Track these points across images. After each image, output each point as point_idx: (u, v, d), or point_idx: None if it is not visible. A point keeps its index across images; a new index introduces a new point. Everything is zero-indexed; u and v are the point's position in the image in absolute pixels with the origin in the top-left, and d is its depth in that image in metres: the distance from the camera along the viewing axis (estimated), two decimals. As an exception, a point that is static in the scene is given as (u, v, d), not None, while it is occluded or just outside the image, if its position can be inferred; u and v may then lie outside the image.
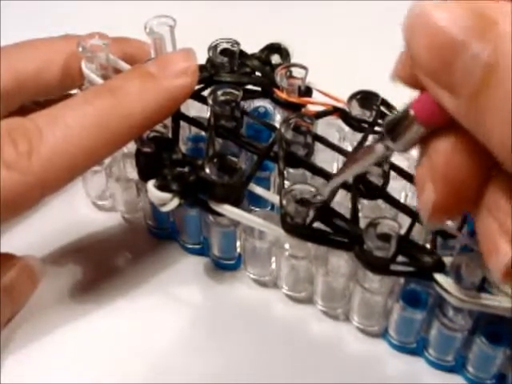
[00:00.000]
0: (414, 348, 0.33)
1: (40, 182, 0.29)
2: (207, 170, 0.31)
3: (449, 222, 0.31)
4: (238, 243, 0.36)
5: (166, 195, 0.31)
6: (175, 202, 0.32)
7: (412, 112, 0.22)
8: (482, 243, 0.23)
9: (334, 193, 0.31)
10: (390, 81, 0.23)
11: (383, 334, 0.34)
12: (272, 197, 0.33)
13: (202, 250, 0.37)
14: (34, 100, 0.37)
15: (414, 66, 0.21)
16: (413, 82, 0.22)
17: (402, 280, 0.32)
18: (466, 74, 0.20)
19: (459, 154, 0.22)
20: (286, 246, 0.33)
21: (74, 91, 0.38)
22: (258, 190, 0.32)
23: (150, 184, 0.32)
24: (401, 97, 0.23)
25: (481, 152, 0.21)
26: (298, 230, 0.30)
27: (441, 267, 0.29)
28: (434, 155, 0.22)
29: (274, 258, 0.35)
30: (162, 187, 0.31)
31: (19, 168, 0.28)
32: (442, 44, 0.20)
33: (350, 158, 0.30)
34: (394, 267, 0.29)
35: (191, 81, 0.32)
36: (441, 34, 0.20)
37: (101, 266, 0.37)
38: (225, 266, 0.36)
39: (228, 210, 0.31)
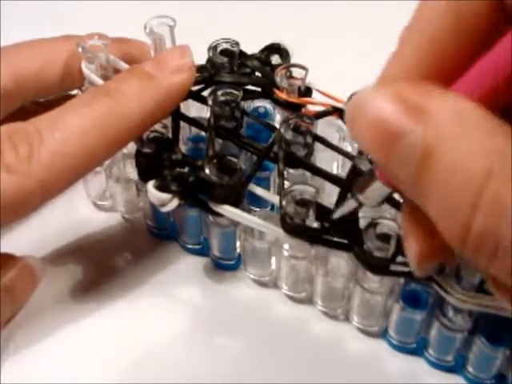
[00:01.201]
0: (414, 348, 0.33)
1: (41, 185, 0.29)
2: (207, 171, 0.31)
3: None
4: (238, 243, 0.36)
5: (166, 196, 0.31)
6: (175, 202, 0.32)
7: (377, 173, 0.24)
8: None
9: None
10: None
11: (383, 334, 0.34)
12: (272, 197, 0.33)
13: (202, 250, 0.37)
14: (34, 100, 0.37)
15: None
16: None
17: (401, 280, 0.32)
18: (403, 162, 0.20)
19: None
20: (286, 246, 0.33)
21: (73, 92, 0.38)
22: (258, 191, 0.32)
23: (150, 184, 0.32)
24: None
25: None
26: (297, 230, 0.30)
27: (440, 267, 0.29)
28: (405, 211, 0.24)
29: (273, 259, 0.35)
30: (161, 188, 0.31)
31: (20, 171, 0.29)
32: (379, 134, 0.21)
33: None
34: (393, 267, 0.29)
35: (188, 77, 0.32)
36: (378, 125, 0.21)
37: (101, 266, 0.37)
38: (225, 266, 0.36)
39: (228, 210, 0.31)
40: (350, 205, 0.27)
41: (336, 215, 0.28)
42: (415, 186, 0.20)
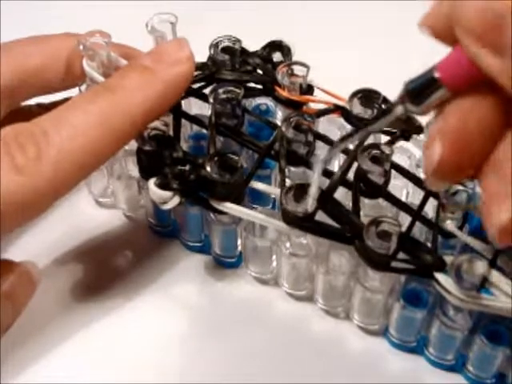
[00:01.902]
0: (415, 347, 0.33)
1: (52, 184, 0.29)
2: (208, 169, 0.31)
3: (448, 222, 0.31)
4: (239, 241, 0.36)
5: (167, 193, 0.31)
6: (176, 200, 0.32)
7: (437, 74, 0.22)
8: (484, 204, 0.23)
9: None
10: (418, 29, 0.23)
11: (384, 333, 0.34)
12: (273, 190, 0.33)
13: (204, 248, 0.37)
14: (36, 96, 0.37)
15: (455, 22, 0.22)
16: (442, 35, 0.23)
17: (402, 279, 0.32)
18: None
19: (475, 115, 0.22)
20: (287, 244, 0.33)
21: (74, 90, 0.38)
22: (260, 186, 0.32)
23: (151, 182, 0.32)
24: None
25: (497, 116, 0.22)
26: (299, 222, 0.30)
27: (441, 266, 0.29)
28: (448, 115, 0.23)
29: (274, 256, 0.35)
30: (162, 186, 0.31)
31: (30, 172, 0.29)
32: (493, 3, 0.20)
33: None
34: (394, 264, 0.29)
35: (188, 68, 0.32)
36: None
37: (102, 264, 0.37)
38: (226, 263, 0.36)
39: (229, 207, 0.31)
40: (396, 112, 0.24)
41: (376, 127, 0.26)
42: None
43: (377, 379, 0.33)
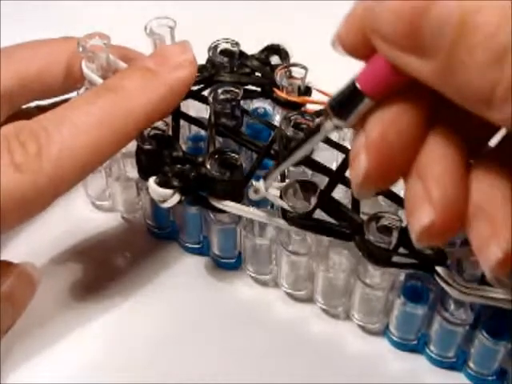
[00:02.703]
0: (415, 345, 0.33)
1: (52, 181, 0.29)
2: (208, 166, 0.31)
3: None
4: (238, 242, 0.35)
5: (167, 191, 0.31)
6: (176, 198, 0.32)
7: (359, 86, 0.22)
8: (407, 205, 0.24)
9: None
10: (331, 47, 0.23)
11: (384, 332, 0.34)
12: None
13: (202, 250, 0.37)
14: (36, 100, 0.37)
15: (370, 29, 0.21)
16: (356, 50, 0.22)
17: (402, 275, 0.32)
18: (437, 35, 0.19)
19: (396, 127, 0.22)
20: (287, 242, 0.33)
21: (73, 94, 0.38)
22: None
23: (151, 180, 0.32)
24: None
25: (419, 122, 0.22)
26: (298, 220, 0.30)
27: (442, 259, 0.29)
28: (370, 129, 0.23)
29: (274, 256, 0.35)
30: (162, 183, 0.31)
31: (31, 169, 0.29)
32: (409, 6, 0.20)
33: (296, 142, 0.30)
34: (395, 259, 0.29)
35: (190, 72, 0.32)
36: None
37: (100, 266, 0.36)
38: (225, 264, 0.36)
39: (229, 205, 0.31)
40: (325, 129, 0.24)
41: (308, 147, 0.26)
42: (447, 61, 0.20)
43: (377, 379, 0.33)
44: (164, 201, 0.32)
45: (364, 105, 0.22)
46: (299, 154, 0.27)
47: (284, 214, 0.31)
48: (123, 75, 0.33)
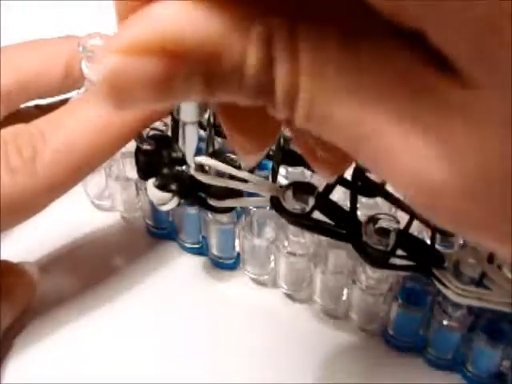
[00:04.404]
0: (413, 347, 0.33)
1: (46, 183, 0.29)
2: (206, 168, 0.31)
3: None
4: (237, 242, 0.36)
5: (166, 195, 0.32)
6: (175, 201, 0.32)
7: None
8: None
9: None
10: None
11: (382, 333, 0.34)
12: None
13: (201, 250, 0.37)
14: (35, 99, 0.37)
15: None
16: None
17: (400, 278, 0.32)
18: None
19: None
20: (285, 243, 0.33)
21: (72, 93, 0.38)
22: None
23: (150, 183, 0.32)
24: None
25: None
26: (298, 219, 0.30)
27: (440, 262, 0.29)
28: None
29: (272, 257, 0.35)
30: (161, 187, 0.32)
31: (24, 173, 0.29)
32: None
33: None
34: (393, 261, 0.29)
35: None
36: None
37: (99, 266, 0.36)
38: (223, 265, 0.36)
39: (228, 202, 0.32)
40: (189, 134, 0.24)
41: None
42: None
43: (376, 380, 0.33)
44: (163, 204, 0.32)
45: None
46: None
47: (283, 213, 0.31)
48: None
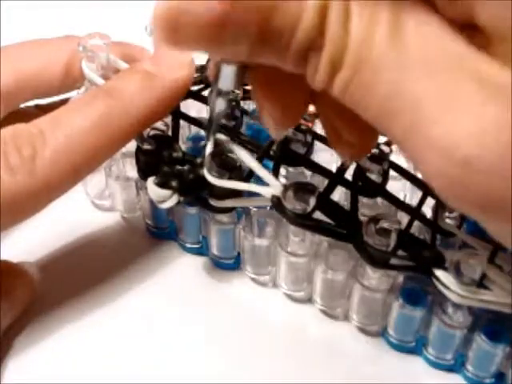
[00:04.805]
0: (413, 347, 0.33)
1: (45, 184, 0.29)
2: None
3: (447, 221, 0.32)
4: (237, 242, 0.35)
5: (166, 192, 0.31)
6: (174, 199, 0.32)
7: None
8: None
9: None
10: None
11: (382, 333, 0.34)
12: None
13: (201, 250, 0.37)
14: (35, 99, 0.37)
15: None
16: None
17: (401, 278, 0.32)
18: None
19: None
20: (286, 243, 0.33)
21: (72, 93, 0.38)
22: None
23: (150, 181, 0.32)
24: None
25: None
26: (298, 219, 0.30)
27: (440, 262, 0.29)
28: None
29: (272, 257, 0.35)
30: (161, 184, 0.32)
31: (24, 172, 0.29)
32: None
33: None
34: (393, 261, 0.29)
35: (188, 73, 0.32)
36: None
37: (99, 266, 0.36)
38: (224, 265, 0.36)
39: (228, 201, 0.31)
40: (219, 107, 0.26)
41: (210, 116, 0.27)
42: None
43: (375, 381, 0.33)
44: (163, 201, 0.32)
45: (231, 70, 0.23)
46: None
47: (284, 212, 0.31)
48: (121, 78, 0.33)
